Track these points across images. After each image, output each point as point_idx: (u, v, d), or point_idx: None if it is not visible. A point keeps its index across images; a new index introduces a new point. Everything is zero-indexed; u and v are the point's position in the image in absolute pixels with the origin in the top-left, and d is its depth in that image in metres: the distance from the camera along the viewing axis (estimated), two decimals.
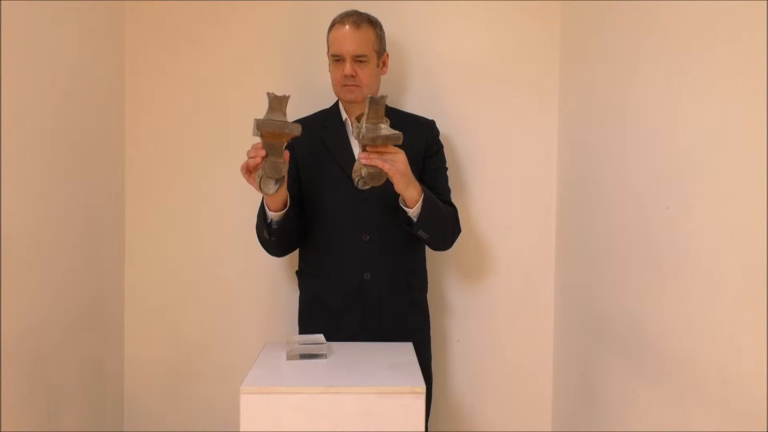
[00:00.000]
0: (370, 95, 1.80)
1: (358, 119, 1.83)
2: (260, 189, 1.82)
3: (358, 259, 2.08)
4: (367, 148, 1.81)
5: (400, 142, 1.80)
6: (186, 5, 2.40)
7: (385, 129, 1.80)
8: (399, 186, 1.87)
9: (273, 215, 1.97)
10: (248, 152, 1.80)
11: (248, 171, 1.81)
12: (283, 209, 1.96)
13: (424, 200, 1.93)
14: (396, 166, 1.82)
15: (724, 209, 1.34)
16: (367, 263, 2.08)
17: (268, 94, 1.77)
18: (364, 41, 2.06)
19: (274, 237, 2.01)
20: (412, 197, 1.92)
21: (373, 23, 2.11)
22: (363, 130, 1.78)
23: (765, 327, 1.19)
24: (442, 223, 2.05)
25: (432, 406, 2.25)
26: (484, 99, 2.43)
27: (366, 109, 1.79)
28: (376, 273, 2.08)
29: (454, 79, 2.42)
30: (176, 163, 2.42)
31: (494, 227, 2.45)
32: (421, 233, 1.99)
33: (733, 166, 1.31)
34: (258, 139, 1.80)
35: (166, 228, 2.44)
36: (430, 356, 2.23)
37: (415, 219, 1.95)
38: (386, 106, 2.20)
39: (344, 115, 2.16)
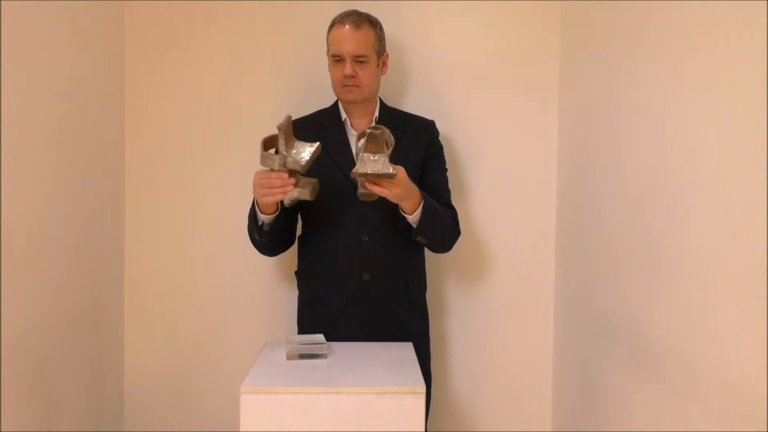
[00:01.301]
0: (370, 130, 1.79)
1: (361, 137, 1.83)
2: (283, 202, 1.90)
3: (358, 259, 2.08)
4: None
5: (393, 179, 1.80)
6: (186, 5, 2.40)
7: (381, 164, 1.78)
8: (394, 201, 1.89)
9: (265, 218, 1.97)
10: (272, 183, 1.84)
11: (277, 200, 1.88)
12: (275, 212, 1.97)
13: (423, 208, 1.93)
14: (391, 189, 1.83)
15: (724, 209, 1.34)
16: (367, 264, 2.08)
17: (278, 127, 1.79)
18: (363, 41, 2.06)
19: (265, 239, 2.02)
20: (407, 207, 1.93)
21: (373, 23, 2.11)
22: (357, 164, 1.79)
23: (765, 327, 1.19)
24: (442, 229, 2.05)
25: (432, 406, 2.25)
26: (484, 99, 2.43)
27: (365, 139, 1.79)
28: (376, 273, 2.08)
29: (454, 79, 2.42)
30: (176, 163, 2.42)
31: (494, 228, 2.45)
32: (420, 239, 2.00)
33: (733, 166, 1.31)
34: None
35: (166, 228, 2.44)
36: (430, 356, 2.23)
37: (414, 225, 1.96)
38: (387, 106, 2.21)
39: (344, 115, 2.15)
